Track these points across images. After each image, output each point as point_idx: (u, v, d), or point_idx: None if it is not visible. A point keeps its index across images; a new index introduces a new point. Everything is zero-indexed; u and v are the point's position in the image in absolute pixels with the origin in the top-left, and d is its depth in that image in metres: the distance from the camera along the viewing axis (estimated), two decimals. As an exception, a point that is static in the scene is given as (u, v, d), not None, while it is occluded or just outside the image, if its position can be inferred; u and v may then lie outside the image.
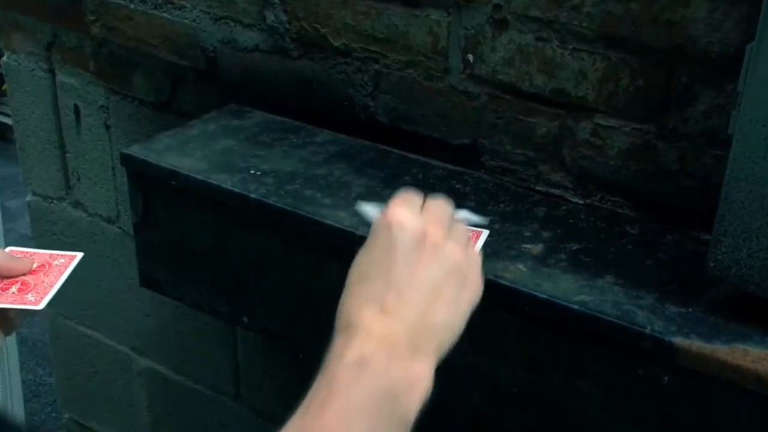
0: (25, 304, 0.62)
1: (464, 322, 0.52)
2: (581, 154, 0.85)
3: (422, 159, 0.94)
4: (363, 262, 0.52)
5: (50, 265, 0.66)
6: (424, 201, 0.57)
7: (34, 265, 0.65)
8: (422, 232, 0.52)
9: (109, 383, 1.49)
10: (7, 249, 0.66)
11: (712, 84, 0.75)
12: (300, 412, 0.47)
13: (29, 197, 1.45)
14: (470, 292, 0.53)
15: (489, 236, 0.79)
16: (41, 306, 0.62)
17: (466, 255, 0.53)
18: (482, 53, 0.87)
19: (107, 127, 1.27)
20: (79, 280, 1.41)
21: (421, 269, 0.51)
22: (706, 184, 0.78)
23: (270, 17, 1.01)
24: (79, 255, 0.67)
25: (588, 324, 0.70)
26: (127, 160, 0.94)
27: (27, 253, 0.66)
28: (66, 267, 0.66)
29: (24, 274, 0.64)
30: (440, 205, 0.56)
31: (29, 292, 0.64)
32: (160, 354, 1.37)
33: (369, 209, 0.62)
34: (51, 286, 0.64)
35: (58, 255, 0.67)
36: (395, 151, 0.95)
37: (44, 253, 0.67)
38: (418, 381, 0.48)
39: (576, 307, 0.70)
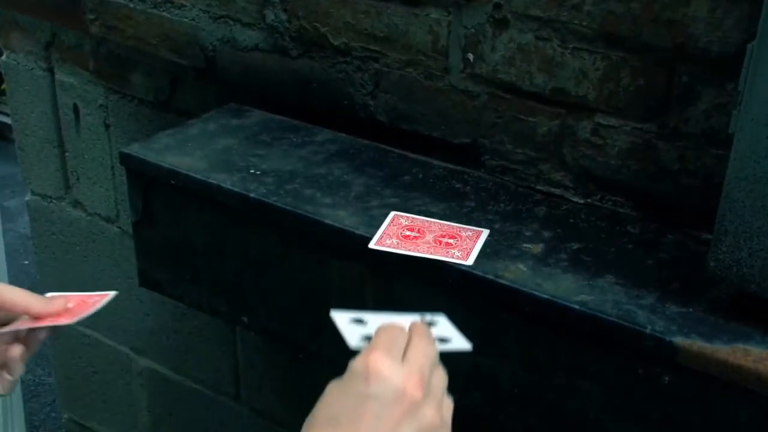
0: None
1: None
2: (582, 153, 0.85)
3: (422, 158, 0.94)
4: (335, 402, 0.49)
5: (85, 302, 0.68)
6: (410, 329, 0.54)
7: (70, 305, 0.66)
8: (402, 390, 0.49)
9: (109, 383, 1.48)
10: (47, 294, 0.67)
11: (712, 83, 0.75)
12: None
13: (28, 197, 1.45)
14: None
15: (489, 236, 0.79)
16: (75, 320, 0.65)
17: (440, 416, 0.51)
18: (482, 52, 0.87)
19: (106, 126, 1.26)
20: (78, 280, 1.41)
21: (392, 428, 0.48)
22: (707, 183, 0.78)
23: (269, 16, 1.01)
24: (113, 293, 0.68)
25: (588, 324, 0.69)
26: (126, 159, 0.94)
27: (63, 296, 0.67)
28: (101, 300, 0.67)
29: (58, 315, 0.65)
30: (424, 349, 0.53)
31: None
32: (159, 354, 1.37)
33: (342, 321, 0.59)
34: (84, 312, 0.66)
35: (92, 294, 0.69)
36: (395, 150, 0.95)
37: (79, 295, 0.68)
38: None
39: (576, 306, 0.70)
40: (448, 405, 0.53)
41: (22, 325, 0.64)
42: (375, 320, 0.59)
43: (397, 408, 0.49)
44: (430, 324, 0.61)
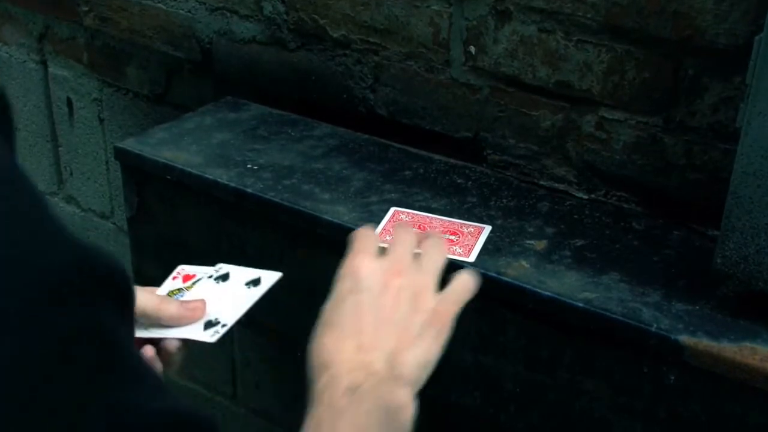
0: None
1: (437, 355, 0.53)
2: (586, 147, 0.83)
3: (423, 153, 0.92)
4: (333, 309, 0.54)
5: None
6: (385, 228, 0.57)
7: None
8: (384, 281, 0.54)
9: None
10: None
11: (719, 76, 0.74)
12: None
13: (21, 192, 1.43)
14: (438, 326, 0.54)
15: (491, 232, 0.78)
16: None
17: (431, 291, 0.55)
18: (484, 45, 0.85)
19: (101, 120, 1.25)
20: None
21: (389, 310, 0.53)
22: (714, 178, 0.77)
23: (267, 8, 0.99)
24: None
25: (593, 322, 0.68)
26: (121, 154, 0.93)
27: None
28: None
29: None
30: (403, 241, 0.57)
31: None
32: (155, 351, 1.35)
33: None
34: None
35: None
36: (395, 144, 0.94)
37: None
38: (404, 406, 0.49)
39: (580, 304, 0.69)
40: (436, 283, 0.55)
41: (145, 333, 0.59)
42: None
43: (387, 296, 0.53)
44: None
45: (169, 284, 0.64)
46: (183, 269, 0.64)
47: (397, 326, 0.52)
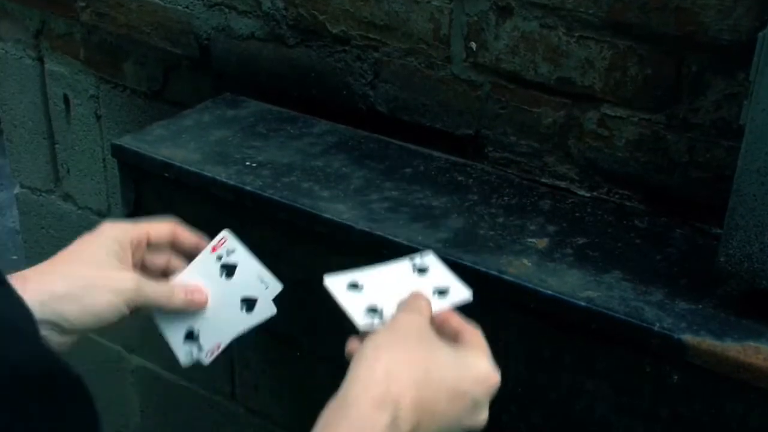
0: None
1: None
2: (588, 145, 0.83)
3: (423, 150, 0.92)
4: (468, 400, 0.55)
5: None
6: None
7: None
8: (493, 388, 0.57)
9: (100, 382, 1.46)
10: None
11: (723, 72, 0.73)
12: None
13: (17, 190, 1.42)
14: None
15: (492, 230, 0.77)
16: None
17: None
18: (485, 41, 0.85)
19: (98, 117, 1.24)
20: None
21: (462, 403, 0.55)
22: (718, 176, 0.76)
23: (266, 3, 0.98)
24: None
25: (595, 321, 0.68)
26: (118, 151, 0.92)
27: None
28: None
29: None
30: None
31: None
32: (152, 352, 1.34)
33: (340, 290, 0.61)
34: None
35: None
36: (396, 141, 0.93)
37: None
38: None
39: (582, 303, 0.68)
40: None
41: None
42: (369, 281, 0.61)
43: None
44: (422, 270, 0.62)
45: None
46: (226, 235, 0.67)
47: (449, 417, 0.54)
